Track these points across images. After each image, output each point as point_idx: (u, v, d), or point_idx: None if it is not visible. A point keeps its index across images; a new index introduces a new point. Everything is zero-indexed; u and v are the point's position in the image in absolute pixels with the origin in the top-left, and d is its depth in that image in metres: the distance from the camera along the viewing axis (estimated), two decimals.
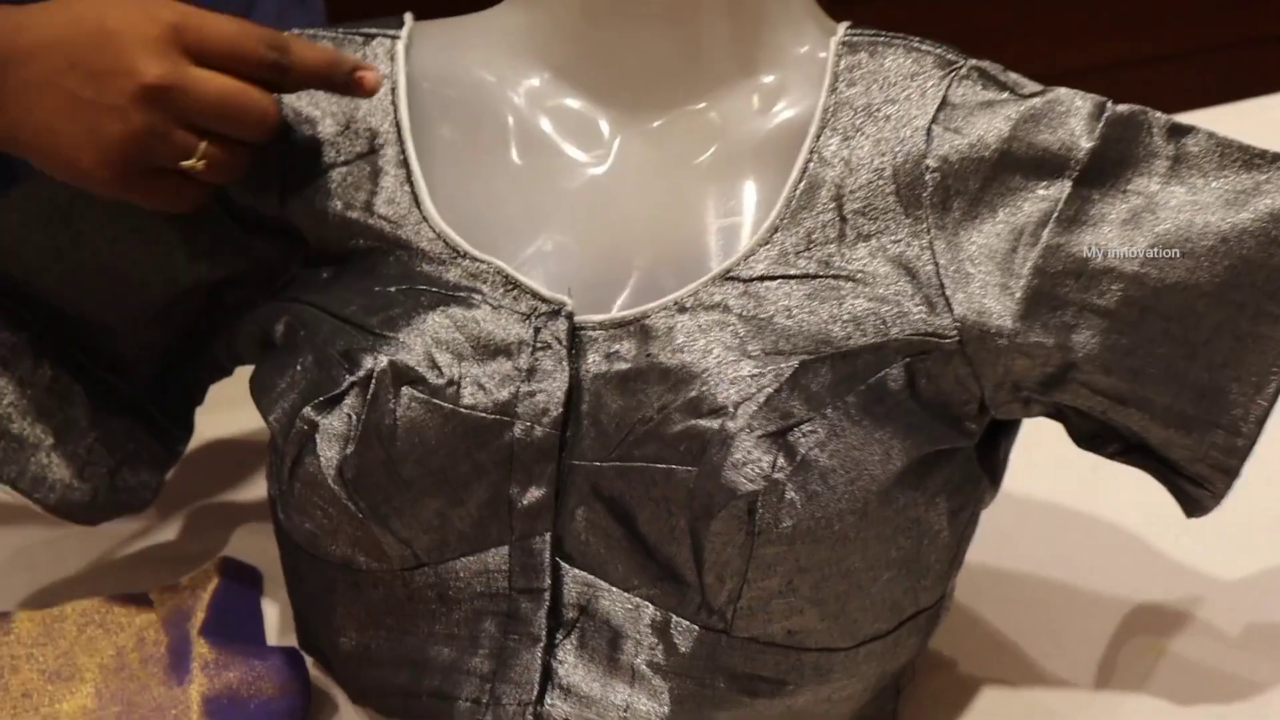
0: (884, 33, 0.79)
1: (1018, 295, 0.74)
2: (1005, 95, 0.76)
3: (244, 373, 0.83)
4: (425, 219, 0.78)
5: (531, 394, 0.73)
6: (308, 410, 0.74)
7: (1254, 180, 0.74)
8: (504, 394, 0.73)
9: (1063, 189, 0.74)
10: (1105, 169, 0.74)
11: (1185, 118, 0.77)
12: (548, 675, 0.74)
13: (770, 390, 0.71)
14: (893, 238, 0.75)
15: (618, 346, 0.74)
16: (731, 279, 0.75)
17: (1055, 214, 0.74)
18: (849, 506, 0.70)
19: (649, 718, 0.74)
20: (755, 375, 0.71)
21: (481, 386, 0.73)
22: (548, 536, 0.74)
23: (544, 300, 0.75)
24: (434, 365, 0.74)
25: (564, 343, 0.74)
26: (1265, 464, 0.77)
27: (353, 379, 0.74)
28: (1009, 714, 0.82)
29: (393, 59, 0.81)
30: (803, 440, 0.70)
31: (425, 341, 0.74)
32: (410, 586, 0.76)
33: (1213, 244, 0.74)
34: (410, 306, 0.76)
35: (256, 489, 1.00)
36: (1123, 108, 0.75)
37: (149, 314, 0.85)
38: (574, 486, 0.73)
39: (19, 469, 0.84)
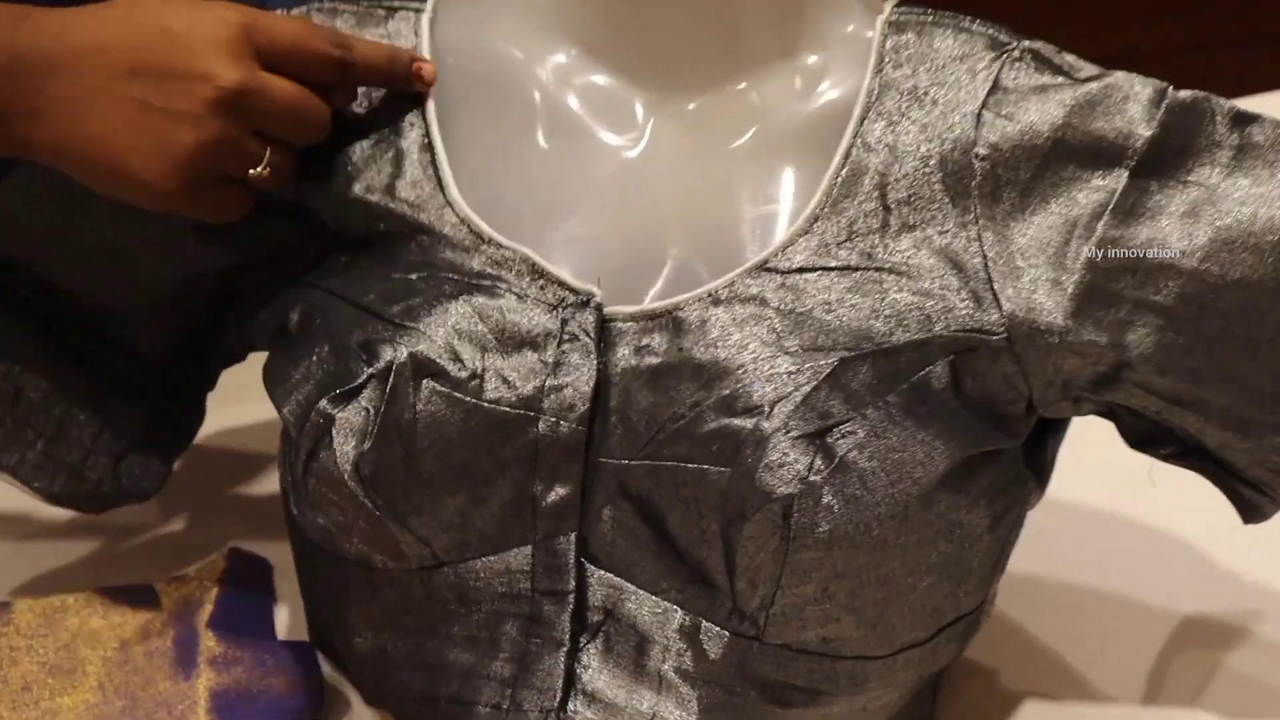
0: (933, 11, 0.77)
1: (1070, 291, 0.72)
2: (1060, 79, 0.74)
3: (257, 359, 0.82)
4: (449, 203, 0.77)
5: (558, 388, 0.72)
6: (324, 403, 0.73)
7: None
8: (529, 388, 0.72)
9: (1119, 179, 0.73)
10: (1165, 159, 0.73)
11: (1249, 104, 0.75)
12: (571, 681, 0.73)
13: (808, 389, 0.70)
14: (939, 229, 0.73)
15: (648, 340, 0.73)
16: (769, 270, 0.73)
17: (1111, 206, 0.72)
18: (889, 511, 0.69)
19: None
20: (792, 373, 0.70)
21: (505, 380, 0.72)
22: (572, 537, 0.73)
23: (572, 290, 0.74)
24: (456, 357, 0.72)
25: (592, 335, 0.72)
26: None
27: (371, 371, 0.72)
28: None
29: (417, 34, 0.80)
30: (841, 441, 0.69)
31: (447, 332, 0.73)
32: (429, 587, 0.75)
33: (1278, 239, 0.72)
34: (432, 295, 0.74)
35: (268, 479, 0.99)
36: (1184, 94, 0.73)
37: (159, 298, 0.84)
38: (600, 485, 0.72)
39: (19, 456, 0.84)
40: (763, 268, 0.73)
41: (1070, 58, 0.76)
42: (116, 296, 0.85)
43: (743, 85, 0.78)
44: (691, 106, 0.78)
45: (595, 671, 0.73)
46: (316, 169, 0.78)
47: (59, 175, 0.77)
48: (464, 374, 0.72)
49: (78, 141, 0.71)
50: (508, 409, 0.72)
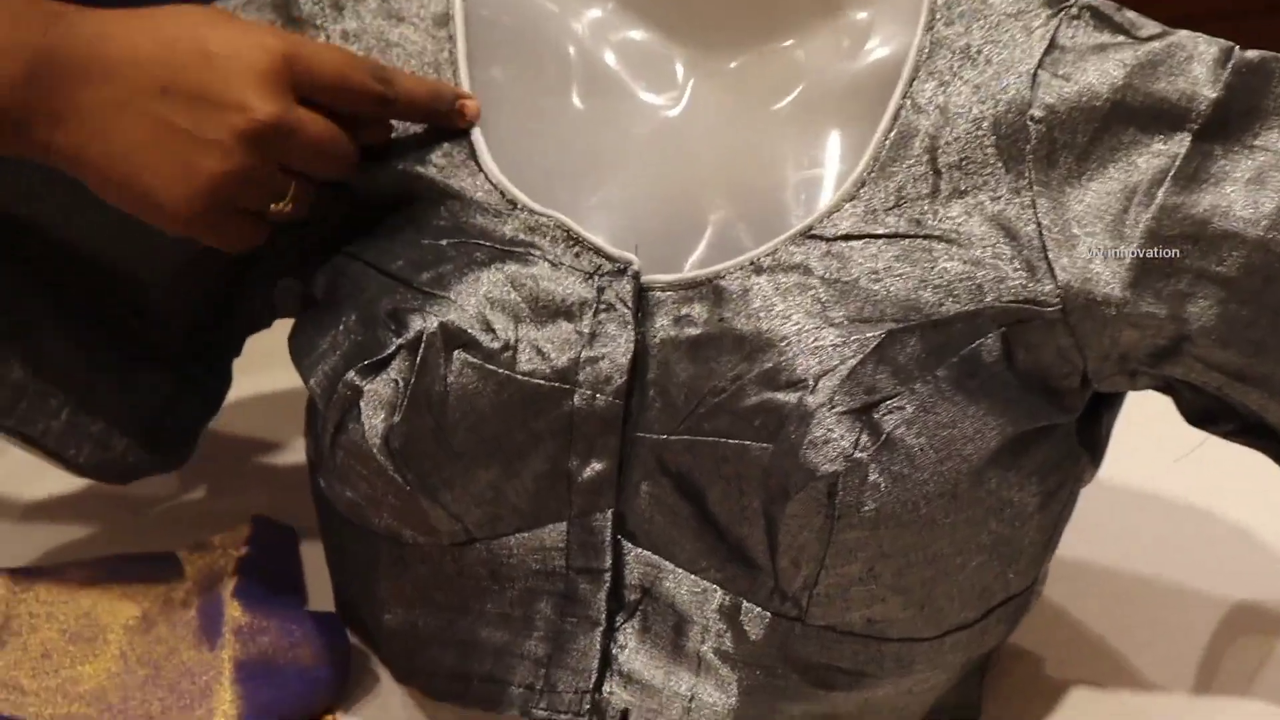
0: None
1: (1128, 261, 0.71)
2: (1120, 38, 0.73)
3: (284, 325, 0.81)
4: (480, 167, 0.75)
5: (594, 360, 0.71)
6: (351, 375, 0.72)
7: None
8: (564, 359, 0.71)
9: (1182, 144, 0.71)
10: (1230, 122, 0.71)
11: None
12: (607, 661, 0.73)
13: (854, 362, 0.68)
14: (991, 195, 0.72)
15: (688, 309, 0.71)
16: (813, 237, 0.72)
17: (1172, 171, 0.71)
18: (937, 489, 0.68)
19: (715, 710, 0.72)
20: (838, 345, 0.69)
21: (539, 351, 0.71)
22: (609, 513, 0.72)
23: (608, 257, 0.73)
24: (488, 327, 0.71)
25: (629, 304, 0.71)
26: None
27: (400, 341, 0.71)
28: (1099, 715, 0.80)
29: None
30: (888, 417, 0.68)
31: (479, 301, 0.72)
32: (460, 563, 0.74)
33: None
34: (463, 263, 0.73)
35: (294, 449, 0.99)
36: (1251, 54, 0.72)
37: (182, 263, 0.84)
38: (638, 460, 0.71)
39: (44, 425, 0.83)
40: (807, 234, 0.72)
41: (1131, 15, 0.74)
42: (139, 262, 0.84)
43: (788, 43, 0.77)
44: (733, 65, 0.77)
45: (632, 652, 0.73)
46: None
47: None
48: (496, 345, 0.71)
49: (98, 154, 0.70)
50: (541, 381, 0.71)
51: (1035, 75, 0.72)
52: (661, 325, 0.72)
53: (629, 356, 0.71)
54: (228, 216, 0.71)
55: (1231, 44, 0.72)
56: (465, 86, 0.77)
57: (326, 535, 0.83)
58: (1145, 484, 0.94)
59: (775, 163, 0.76)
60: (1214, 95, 0.71)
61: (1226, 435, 0.77)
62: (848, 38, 0.77)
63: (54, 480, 0.90)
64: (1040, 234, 0.71)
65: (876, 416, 0.68)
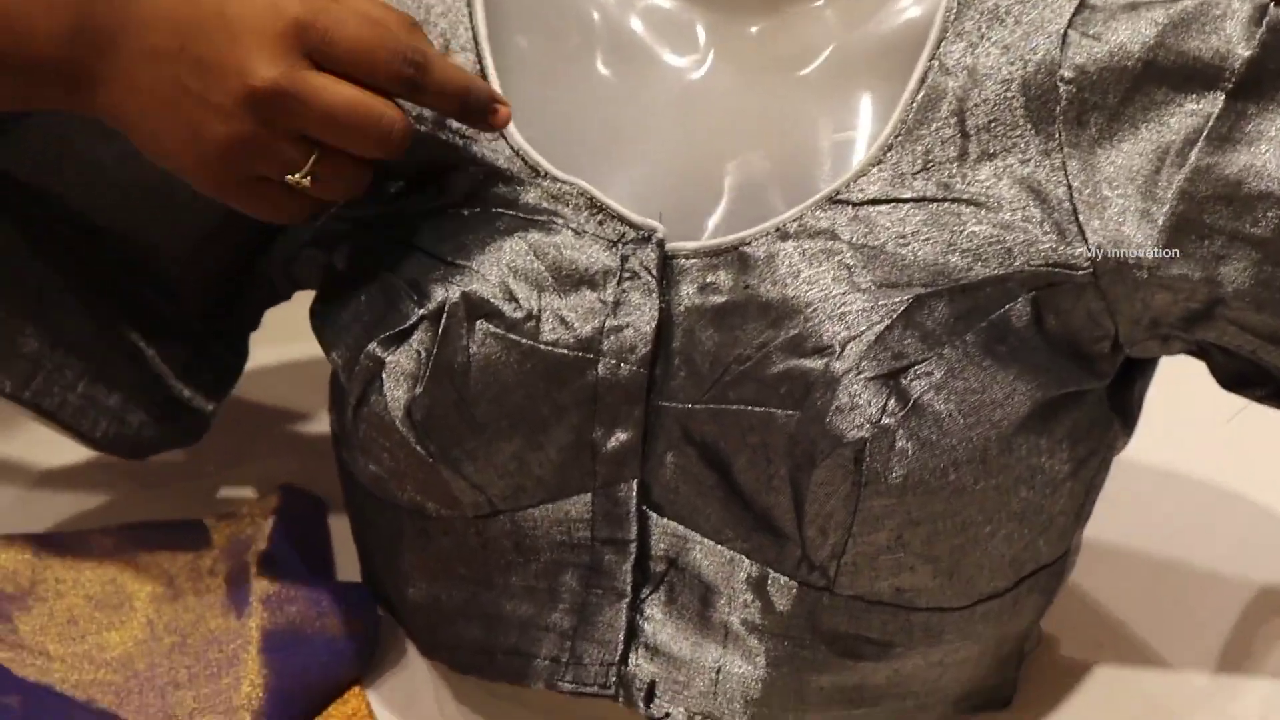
0: None
1: (1160, 222, 0.71)
2: None
3: (304, 298, 0.82)
4: (502, 134, 0.76)
5: (618, 329, 0.71)
6: (373, 346, 0.73)
7: None
8: (587, 329, 0.72)
9: (1215, 103, 0.71)
10: (1264, 81, 0.71)
11: None
12: (633, 633, 0.73)
13: (881, 327, 0.69)
14: (1021, 157, 0.72)
15: (713, 277, 0.72)
16: (840, 202, 0.72)
17: (1206, 131, 0.71)
18: (966, 455, 0.68)
19: (743, 681, 0.72)
20: (865, 311, 0.69)
21: (563, 320, 0.72)
22: (634, 483, 0.73)
23: (632, 225, 0.73)
24: (511, 297, 0.72)
25: (654, 272, 0.72)
26: None
27: (422, 312, 0.72)
28: (1123, 700, 0.80)
29: None
30: (916, 383, 0.68)
31: (501, 271, 0.73)
32: (484, 535, 0.75)
33: None
34: (485, 232, 0.74)
35: (322, 420, 1.00)
36: None
37: (200, 234, 0.84)
38: (663, 430, 0.72)
39: (60, 399, 0.84)
40: (834, 199, 0.72)
41: None
42: (155, 233, 0.85)
43: (818, 3, 0.77)
44: (759, 26, 0.77)
45: (658, 624, 0.73)
46: None
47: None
48: (519, 314, 0.72)
49: (131, 112, 0.70)
50: (565, 351, 0.72)
51: (1065, 35, 0.72)
52: (686, 293, 0.72)
53: (653, 325, 0.71)
54: (250, 184, 0.71)
55: (1266, 1, 0.72)
56: (487, 54, 0.77)
57: (351, 509, 0.84)
58: (1172, 464, 0.93)
59: (802, 127, 0.76)
60: (1248, 53, 0.71)
61: (1261, 399, 0.78)
62: None
63: (78, 447, 0.91)
64: (1071, 196, 0.71)
65: (904, 382, 0.68)
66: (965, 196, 0.72)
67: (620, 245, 0.73)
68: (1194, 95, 0.71)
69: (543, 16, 0.79)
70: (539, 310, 0.72)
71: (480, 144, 0.76)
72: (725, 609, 0.73)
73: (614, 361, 0.71)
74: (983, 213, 0.71)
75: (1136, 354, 0.75)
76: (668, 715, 0.73)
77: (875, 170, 0.72)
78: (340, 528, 0.89)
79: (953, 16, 0.74)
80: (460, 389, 0.72)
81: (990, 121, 0.72)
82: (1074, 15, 0.72)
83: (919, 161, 0.72)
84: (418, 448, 0.72)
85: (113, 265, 0.86)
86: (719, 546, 0.73)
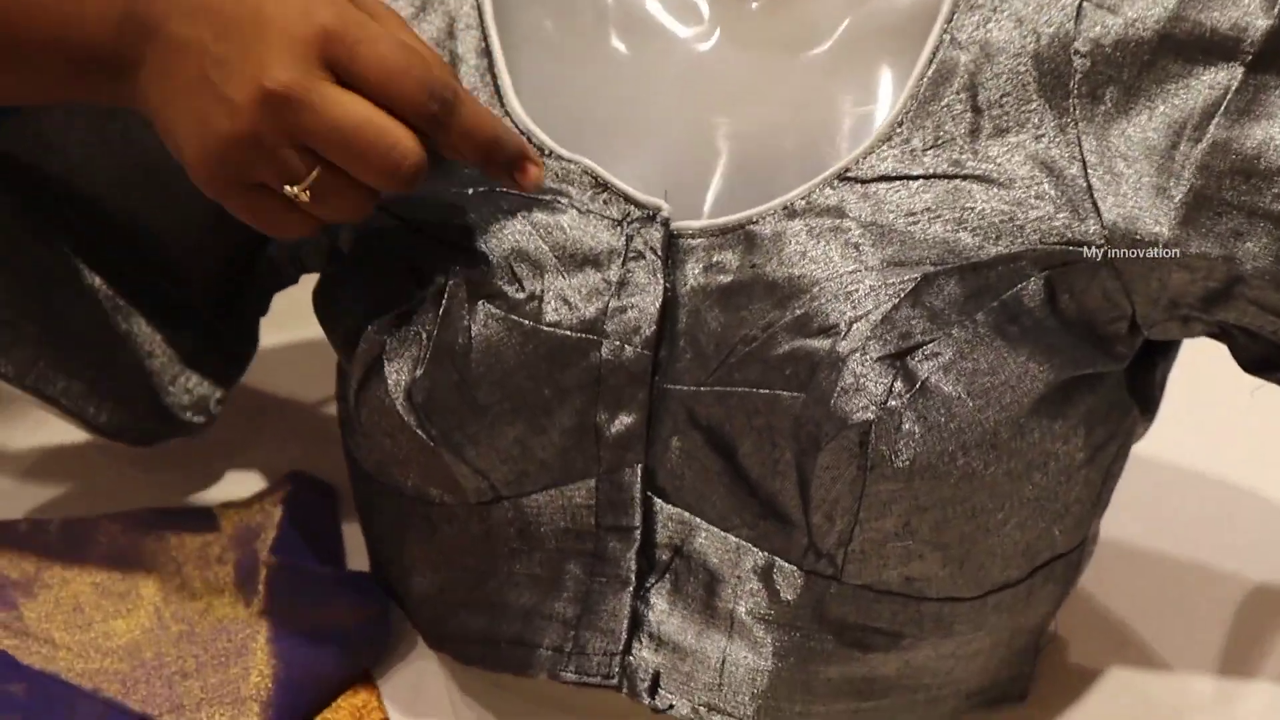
0: None
1: (1177, 198, 0.70)
2: None
3: (314, 281, 0.82)
4: (508, 113, 0.76)
5: (622, 310, 0.72)
6: (373, 328, 0.73)
7: None
8: (591, 310, 0.72)
9: (1233, 76, 0.70)
10: None
11: None
12: (637, 622, 0.73)
13: (888, 306, 0.69)
14: (1034, 133, 0.71)
15: (719, 257, 0.72)
16: (849, 179, 0.72)
17: (1224, 105, 0.70)
18: (975, 439, 0.68)
19: (750, 672, 0.72)
20: (872, 290, 0.69)
21: (566, 301, 0.72)
22: (638, 468, 0.73)
23: (637, 204, 0.73)
24: (513, 278, 0.72)
25: (659, 252, 0.72)
26: None
27: (423, 293, 0.73)
28: (1138, 700, 0.80)
29: None
30: (924, 364, 0.68)
31: (504, 251, 0.73)
32: (487, 522, 0.75)
33: None
34: (488, 212, 0.74)
35: (330, 406, 1.00)
36: None
37: (206, 218, 0.85)
38: (668, 413, 0.72)
39: (65, 384, 0.85)
40: (842, 177, 0.72)
41: None
42: (162, 217, 0.86)
43: None
44: (755, 4, 0.77)
45: (663, 612, 0.73)
46: None
47: None
48: (522, 295, 0.72)
49: (157, 95, 0.70)
50: (568, 332, 0.72)
51: (1080, 7, 0.72)
52: (692, 273, 0.72)
53: (658, 306, 0.71)
54: (248, 189, 0.70)
55: None
56: (493, 32, 0.78)
57: (358, 497, 0.84)
58: (1190, 461, 0.93)
59: (811, 103, 0.76)
60: (1267, 24, 0.70)
61: None
62: None
63: (83, 432, 0.92)
64: (1085, 172, 0.71)
65: (911, 363, 0.68)
66: (977, 173, 0.71)
67: (625, 224, 0.73)
68: (1211, 67, 0.71)
69: None
70: (541, 291, 0.72)
71: None
72: (731, 598, 0.73)
73: (618, 343, 0.72)
74: (994, 189, 0.71)
75: (1156, 335, 0.74)
76: (671, 707, 0.73)
77: (885, 147, 0.72)
78: (351, 516, 0.89)
79: None
80: (461, 371, 0.72)
81: (1002, 96, 0.72)
82: None
83: (930, 138, 0.72)
84: (419, 431, 0.73)
85: (117, 250, 0.87)
86: (725, 534, 0.73)
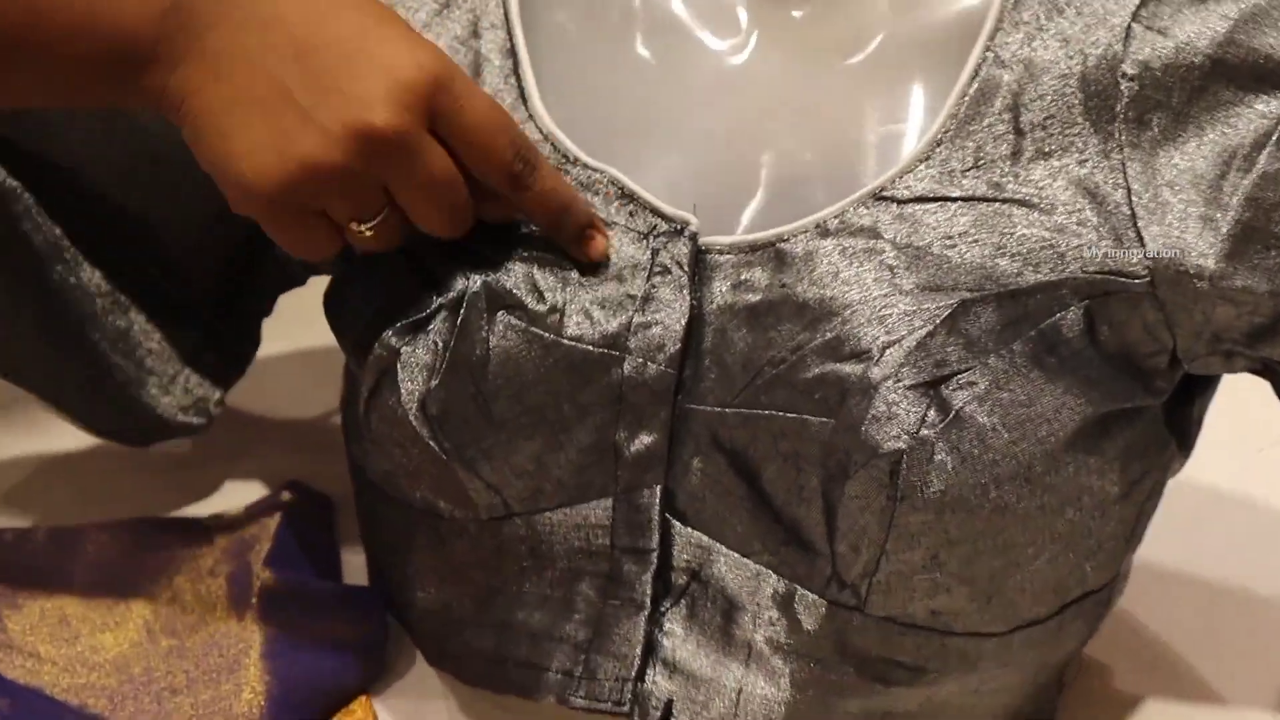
0: None
1: (1224, 230, 0.71)
2: None
3: (319, 283, 0.83)
4: (532, 117, 0.77)
5: (646, 326, 0.72)
6: (388, 335, 0.73)
7: None
8: (614, 325, 0.72)
9: None
10: None
11: None
12: (651, 648, 0.74)
13: (923, 333, 0.69)
14: (1077, 157, 0.72)
15: (748, 274, 0.72)
16: (884, 199, 0.73)
17: (1275, 135, 0.71)
18: (1009, 472, 0.68)
19: (766, 704, 0.73)
20: (906, 315, 0.70)
21: (588, 315, 0.72)
22: (658, 490, 0.73)
23: (664, 217, 0.74)
24: (535, 289, 0.73)
25: (686, 268, 0.72)
26: None
27: (441, 301, 0.73)
28: None
29: None
30: (959, 393, 0.68)
31: (526, 261, 0.73)
32: (498, 539, 0.76)
33: None
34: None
35: (332, 413, 1.01)
36: None
37: (211, 212, 0.85)
38: (690, 434, 0.72)
39: (59, 380, 0.85)
40: (878, 196, 0.73)
41: None
42: (165, 209, 0.86)
43: None
44: (799, 13, 0.78)
45: (678, 639, 0.74)
46: None
47: None
48: (543, 307, 0.73)
49: (204, 101, 0.69)
50: (590, 347, 0.72)
51: (1129, 28, 0.72)
52: (719, 290, 0.73)
53: (684, 323, 0.72)
54: (302, 213, 0.70)
55: None
56: (518, 33, 0.78)
57: (361, 508, 0.85)
58: (1228, 482, 0.93)
59: (847, 118, 0.76)
60: None
61: None
62: None
63: (74, 437, 0.92)
64: (1129, 200, 0.71)
65: (945, 391, 0.68)
66: (1017, 197, 0.72)
67: (651, 238, 0.73)
68: (1264, 96, 0.71)
69: None
70: (563, 304, 0.73)
71: None
72: (749, 626, 0.73)
73: (641, 360, 0.72)
74: (1035, 215, 0.72)
75: (1197, 370, 0.75)
76: None
77: (923, 166, 0.73)
78: (348, 529, 0.90)
79: (1010, 5, 0.74)
80: (478, 383, 0.72)
81: (1046, 118, 0.72)
82: (1139, 7, 0.72)
83: (969, 158, 0.73)
84: (431, 444, 0.73)
85: (117, 243, 0.87)
86: (745, 560, 0.73)
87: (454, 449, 0.73)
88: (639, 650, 0.74)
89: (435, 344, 0.73)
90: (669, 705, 0.73)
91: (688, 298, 0.72)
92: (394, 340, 0.73)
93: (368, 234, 0.71)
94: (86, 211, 0.86)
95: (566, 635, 0.75)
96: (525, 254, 0.74)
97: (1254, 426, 0.78)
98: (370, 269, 0.77)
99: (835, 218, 0.72)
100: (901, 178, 0.73)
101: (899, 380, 0.68)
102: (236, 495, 0.92)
